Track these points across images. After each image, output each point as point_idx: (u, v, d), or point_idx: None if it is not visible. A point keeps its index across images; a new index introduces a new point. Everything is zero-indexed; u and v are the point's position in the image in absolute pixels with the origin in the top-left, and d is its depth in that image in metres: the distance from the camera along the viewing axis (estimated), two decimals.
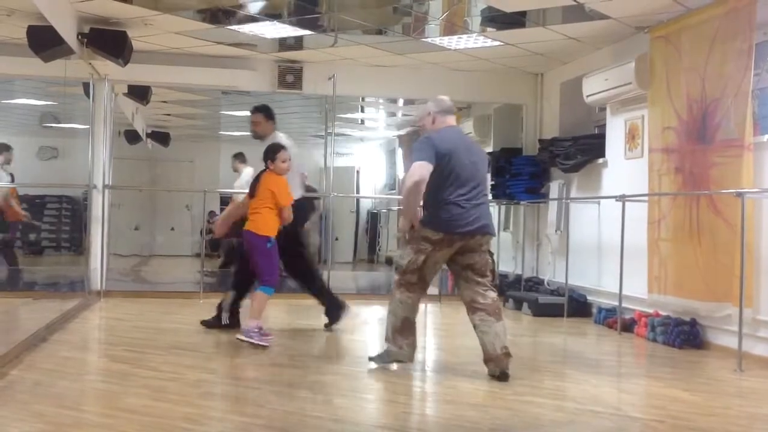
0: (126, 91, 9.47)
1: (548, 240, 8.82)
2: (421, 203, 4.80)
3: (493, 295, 4.80)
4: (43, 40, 6.22)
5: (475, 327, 4.75)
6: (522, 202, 9.28)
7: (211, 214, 12.69)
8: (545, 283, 8.66)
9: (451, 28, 7.47)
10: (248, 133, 6.62)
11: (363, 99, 11.29)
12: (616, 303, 6.95)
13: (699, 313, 6.13)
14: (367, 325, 7.26)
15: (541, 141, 9.09)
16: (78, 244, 9.20)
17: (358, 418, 3.85)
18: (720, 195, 5.80)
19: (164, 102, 11.31)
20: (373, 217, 15.92)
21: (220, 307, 6.31)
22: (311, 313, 6.98)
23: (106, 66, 7.77)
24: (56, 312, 6.34)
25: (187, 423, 3.56)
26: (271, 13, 7.08)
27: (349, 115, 12.69)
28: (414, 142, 5.06)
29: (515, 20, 7.03)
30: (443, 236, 4.71)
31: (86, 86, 8.30)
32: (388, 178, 15.67)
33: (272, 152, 5.78)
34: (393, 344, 4.90)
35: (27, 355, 4.92)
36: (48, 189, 13.12)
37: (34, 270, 11.66)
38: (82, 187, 8.67)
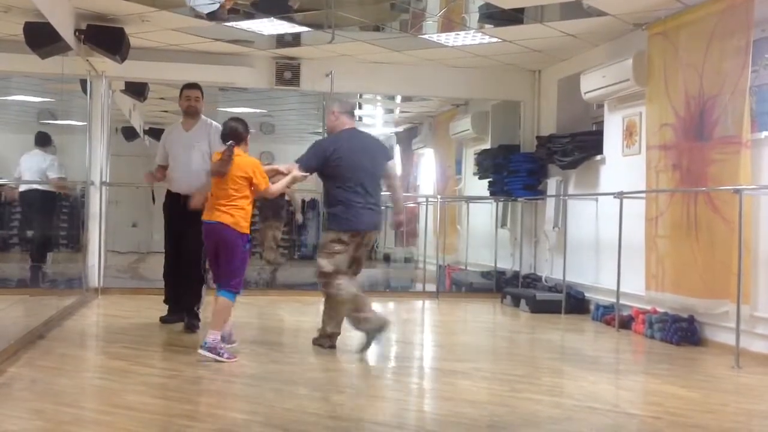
0: (123, 88, 9.46)
1: (546, 237, 8.82)
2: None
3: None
4: (41, 37, 6.19)
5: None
6: (520, 199, 9.28)
7: None
8: (543, 279, 8.66)
9: (449, 24, 7.47)
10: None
11: (361, 96, 11.27)
12: (613, 300, 6.96)
13: (696, 309, 6.13)
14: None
15: (538, 138, 9.08)
16: (75, 241, 9.17)
17: (356, 415, 3.84)
18: (718, 192, 5.80)
19: (162, 98, 11.29)
20: None
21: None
22: (309, 310, 6.97)
23: (104, 63, 7.77)
24: (54, 309, 6.33)
25: (186, 420, 3.56)
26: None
27: None
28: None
29: (513, 17, 7.03)
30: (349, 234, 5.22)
31: (83, 83, 8.27)
32: None
33: (245, 129, 4.98)
34: (364, 321, 5.15)
35: (25, 352, 4.91)
36: (45, 186, 13.04)
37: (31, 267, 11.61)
38: (79, 183, 8.66)
